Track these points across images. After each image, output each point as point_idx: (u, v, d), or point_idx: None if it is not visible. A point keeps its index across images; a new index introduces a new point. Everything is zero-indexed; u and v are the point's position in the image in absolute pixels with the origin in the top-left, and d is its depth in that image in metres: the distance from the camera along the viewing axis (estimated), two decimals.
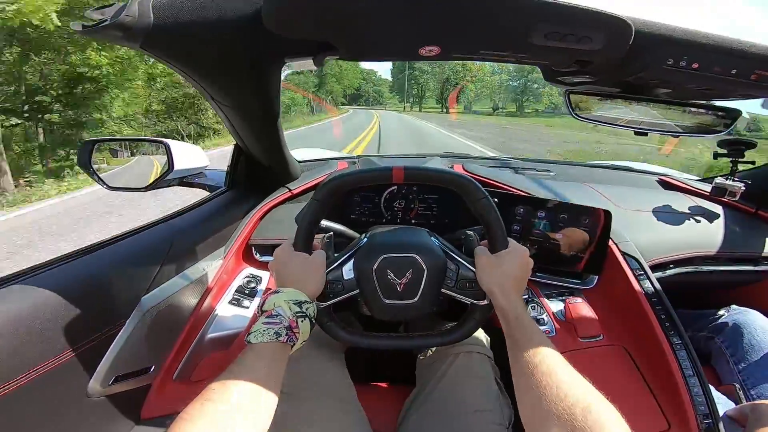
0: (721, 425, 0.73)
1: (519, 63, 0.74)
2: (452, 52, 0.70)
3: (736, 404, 0.84)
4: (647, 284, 0.93)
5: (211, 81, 0.77)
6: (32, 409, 0.63)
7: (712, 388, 0.79)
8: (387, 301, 0.73)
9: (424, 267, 0.72)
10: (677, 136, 0.90)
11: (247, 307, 1.08)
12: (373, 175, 0.72)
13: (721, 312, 1.07)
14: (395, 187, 1.20)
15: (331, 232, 0.87)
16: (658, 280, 0.96)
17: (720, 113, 0.83)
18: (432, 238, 0.78)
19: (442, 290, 0.74)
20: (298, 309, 0.64)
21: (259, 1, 0.55)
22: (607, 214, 0.99)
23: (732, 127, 0.82)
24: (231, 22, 0.59)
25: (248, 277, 1.15)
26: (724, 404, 0.79)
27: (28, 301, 0.64)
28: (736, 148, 1.20)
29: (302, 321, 0.63)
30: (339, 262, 0.74)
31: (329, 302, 0.73)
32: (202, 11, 0.58)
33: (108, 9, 0.53)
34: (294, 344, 0.61)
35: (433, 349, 0.92)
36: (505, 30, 0.62)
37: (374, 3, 0.57)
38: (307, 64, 0.69)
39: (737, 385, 0.89)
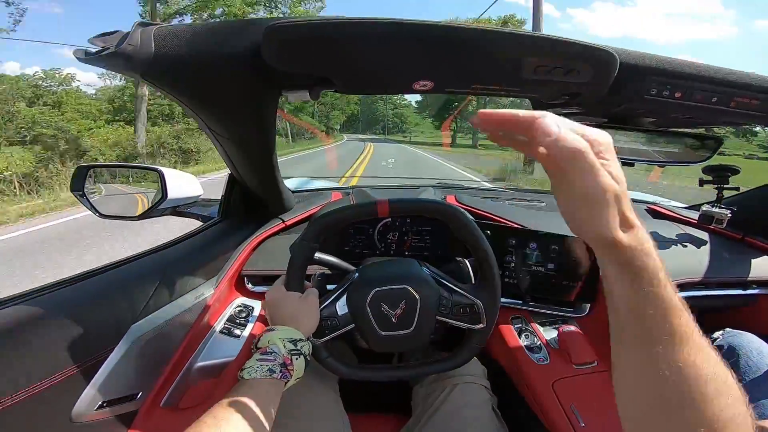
0: None
1: (510, 96, 0.76)
2: (445, 86, 0.72)
3: None
4: None
5: (208, 111, 0.78)
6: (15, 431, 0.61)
7: None
8: (383, 333, 0.73)
9: (417, 297, 0.73)
10: (663, 166, 0.92)
11: (238, 336, 1.06)
12: (358, 212, 0.74)
13: (716, 335, 1.08)
14: (389, 219, 1.21)
15: (322, 271, 0.87)
16: None
17: (704, 141, 0.86)
18: (423, 267, 0.79)
19: (438, 317, 0.74)
20: (293, 347, 0.64)
21: (258, 36, 0.57)
22: None
23: (714, 154, 0.85)
24: (230, 54, 0.60)
25: (240, 306, 1.13)
26: None
27: (15, 326, 0.63)
28: (720, 174, 1.23)
29: (297, 358, 0.63)
30: (332, 298, 0.75)
31: (326, 338, 0.73)
32: (203, 43, 0.59)
33: (110, 37, 0.54)
34: (288, 381, 0.61)
35: (429, 378, 0.91)
36: (496, 65, 0.64)
37: (372, 43, 0.59)
38: (303, 96, 0.71)
39: None
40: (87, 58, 0.54)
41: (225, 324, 1.08)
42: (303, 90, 0.69)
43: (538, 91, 0.75)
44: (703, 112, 0.75)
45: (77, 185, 1.06)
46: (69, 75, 25.89)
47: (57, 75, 25.28)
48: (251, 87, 0.71)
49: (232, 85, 0.70)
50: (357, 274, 0.78)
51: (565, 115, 0.84)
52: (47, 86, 25.00)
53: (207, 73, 0.64)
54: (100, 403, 0.74)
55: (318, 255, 0.82)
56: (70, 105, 24.98)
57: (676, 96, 0.70)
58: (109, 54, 0.53)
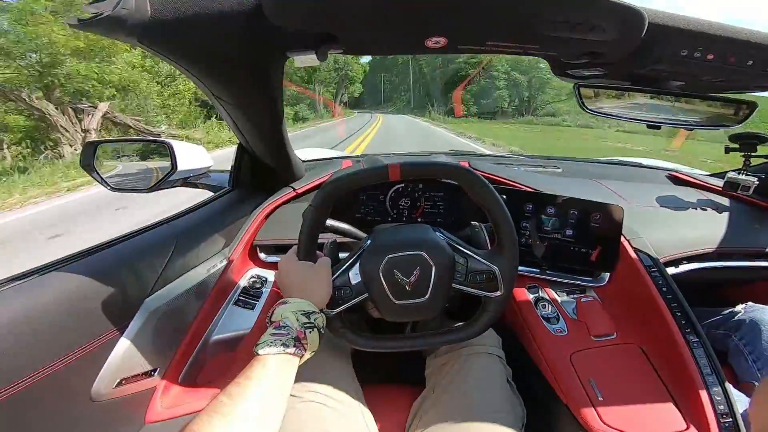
0: (741, 424, 0.71)
1: (527, 55, 0.72)
2: (459, 43, 0.68)
3: None
4: (661, 281, 0.91)
5: (212, 77, 0.76)
6: (35, 412, 0.62)
7: (730, 386, 0.77)
8: (397, 302, 0.72)
9: (432, 263, 0.70)
10: (691, 129, 0.88)
11: (253, 308, 1.07)
12: (369, 175, 0.70)
13: (738, 309, 1.05)
14: (401, 185, 1.18)
15: (335, 239, 0.85)
16: (672, 276, 0.93)
17: (736, 105, 0.81)
18: (437, 232, 0.76)
19: (453, 285, 0.72)
20: (306, 320, 0.63)
21: None
22: (619, 210, 0.97)
23: (748, 119, 0.80)
24: (231, 14, 0.58)
25: (254, 277, 1.14)
26: (743, 402, 0.77)
27: (29, 304, 0.63)
28: (748, 142, 1.18)
29: (310, 332, 0.62)
30: (345, 267, 0.73)
31: (339, 308, 0.72)
32: (201, 4, 0.57)
33: (104, 3, 0.52)
34: (302, 355, 0.61)
35: (444, 350, 0.91)
36: (515, 19, 0.60)
37: None
38: (310, 59, 0.68)
39: (757, 383, 0.87)
40: (80, 23, 0.52)
41: (239, 296, 1.09)
42: (309, 51, 0.66)
43: (557, 49, 0.71)
44: (737, 76, 0.71)
45: (86, 160, 1.07)
46: None
47: None
48: (255, 48, 0.69)
49: (234, 47, 0.67)
50: (369, 241, 0.76)
51: (586, 77, 0.81)
52: None
53: (207, 34, 0.62)
54: (118, 380, 0.76)
55: (330, 222, 0.80)
56: None
57: (709, 58, 0.66)
58: (102, 19, 0.51)
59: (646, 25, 0.60)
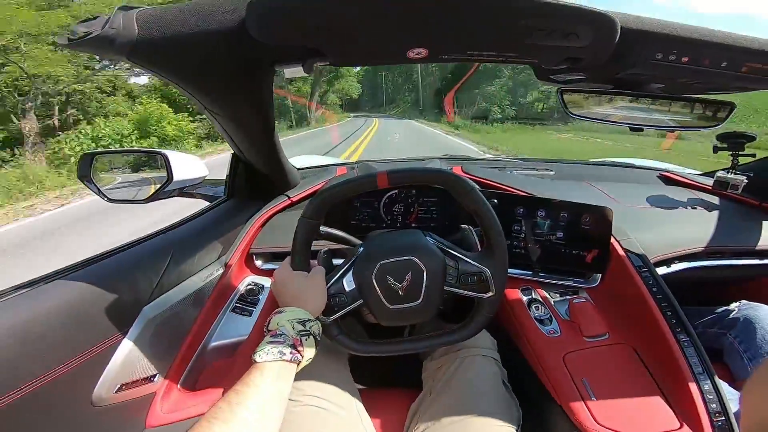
0: (734, 422, 0.71)
1: (509, 63, 0.74)
2: (440, 54, 0.70)
3: None
4: (651, 281, 0.92)
5: (202, 91, 0.78)
6: (36, 418, 0.64)
7: (726, 384, 0.78)
8: (391, 307, 0.74)
9: (423, 267, 0.72)
10: (673, 131, 0.89)
11: (250, 314, 1.08)
12: (358, 184, 0.73)
13: (731, 307, 1.06)
14: (395, 191, 1.20)
15: (329, 247, 0.87)
16: (663, 276, 0.94)
17: (715, 106, 0.82)
18: (427, 237, 0.78)
19: (445, 288, 0.74)
20: (301, 327, 0.65)
21: (243, 10, 0.56)
22: (608, 212, 0.98)
23: (727, 120, 0.82)
24: (217, 32, 0.59)
25: (250, 284, 1.15)
26: (737, 400, 0.77)
27: (31, 311, 0.65)
28: (736, 141, 1.19)
29: (306, 339, 0.64)
30: (339, 275, 0.75)
31: (335, 315, 0.74)
32: (187, 22, 0.58)
33: (94, 22, 0.54)
34: (299, 362, 0.62)
35: (440, 352, 0.92)
36: (491, 28, 0.62)
37: (357, 9, 0.57)
38: (297, 71, 0.70)
39: None
40: (70, 43, 0.54)
41: (236, 303, 1.10)
42: (296, 63, 0.68)
43: (536, 56, 0.72)
44: (713, 77, 0.72)
45: (83, 172, 1.08)
46: None
47: None
48: (242, 63, 0.70)
49: (222, 63, 0.69)
50: (362, 248, 0.78)
51: (568, 82, 0.82)
52: None
53: (195, 51, 0.64)
54: (119, 386, 0.77)
55: (324, 229, 0.82)
56: None
57: (684, 61, 0.67)
58: (91, 39, 0.53)
59: (619, 30, 0.61)
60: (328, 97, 43.85)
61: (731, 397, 0.76)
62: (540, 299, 1.04)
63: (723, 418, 0.71)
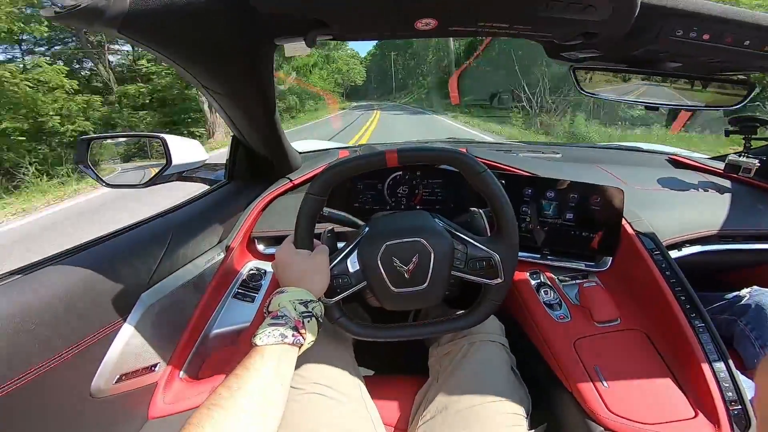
0: (750, 411, 0.69)
1: (520, 37, 0.70)
2: (450, 25, 0.67)
3: None
4: (664, 264, 0.89)
5: (198, 67, 0.74)
6: (33, 409, 0.62)
7: (738, 373, 0.75)
8: (396, 290, 0.71)
9: (430, 250, 0.70)
10: (690, 111, 0.87)
11: (252, 300, 1.06)
12: (367, 162, 0.70)
13: (743, 293, 1.03)
14: (399, 172, 1.17)
15: (332, 227, 0.85)
16: (674, 260, 0.92)
17: (734, 86, 0.79)
18: (435, 219, 0.75)
19: (452, 272, 0.72)
20: (303, 309, 0.62)
21: None
22: (619, 192, 0.96)
23: (747, 100, 0.79)
24: (215, 1, 0.56)
25: (253, 270, 1.13)
26: (751, 388, 0.75)
27: (25, 299, 0.62)
28: (748, 125, 1.16)
29: (308, 321, 0.62)
30: (343, 255, 0.72)
31: (337, 297, 0.71)
32: None
33: None
34: (301, 345, 0.60)
35: (447, 338, 0.90)
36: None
37: None
38: (299, 47, 0.67)
39: None
40: (57, 16, 0.51)
41: (238, 288, 1.08)
42: (297, 37, 0.65)
43: (550, 29, 0.69)
44: (734, 56, 0.69)
45: (80, 157, 1.06)
46: None
47: None
48: (241, 35, 0.67)
49: (220, 35, 0.66)
50: (367, 228, 0.76)
51: (580, 60, 0.79)
52: None
53: (192, 22, 0.60)
54: (118, 376, 0.75)
55: (327, 210, 0.79)
56: None
57: (704, 38, 0.64)
58: (80, 10, 0.50)
59: (639, 4, 0.58)
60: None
61: (744, 384, 0.74)
62: (549, 283, 1.01)
63: (739, 406, 0.69)
